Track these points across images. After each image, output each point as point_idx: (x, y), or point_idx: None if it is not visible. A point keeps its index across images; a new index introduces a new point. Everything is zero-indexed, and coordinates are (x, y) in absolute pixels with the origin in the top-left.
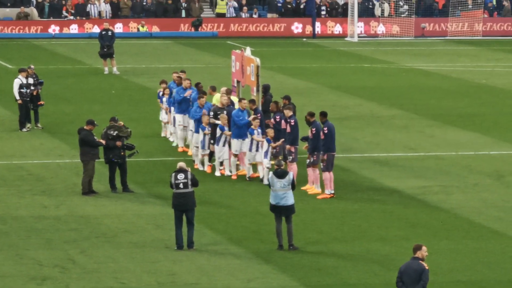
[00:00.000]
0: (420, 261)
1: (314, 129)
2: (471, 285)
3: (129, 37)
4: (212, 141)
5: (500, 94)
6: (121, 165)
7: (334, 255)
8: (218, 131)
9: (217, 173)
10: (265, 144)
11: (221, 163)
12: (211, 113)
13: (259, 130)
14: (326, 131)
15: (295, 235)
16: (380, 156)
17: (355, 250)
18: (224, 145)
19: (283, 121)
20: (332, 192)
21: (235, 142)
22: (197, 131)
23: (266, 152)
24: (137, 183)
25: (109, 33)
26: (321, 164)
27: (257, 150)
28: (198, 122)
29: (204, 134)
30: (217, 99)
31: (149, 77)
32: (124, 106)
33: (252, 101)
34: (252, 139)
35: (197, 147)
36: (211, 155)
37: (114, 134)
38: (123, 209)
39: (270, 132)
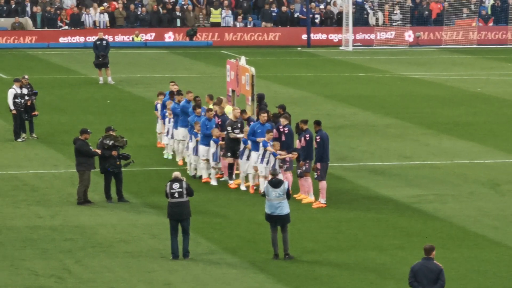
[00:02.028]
0: (435, 261)
1: (308, 136)
2: None
3: (124, 47)
4: (229, 154)
5: (495, 102)
6: (116, 174)
7: (330, 264)
8: (242, 145)
9: (243, 187)
10: (271, 158)
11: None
12: (229, 128)
13: (272, 143)
14: (318, 140)
15: (290, 244)
16: (375, 165)
17: (351, 259)
18: (248, 159)
19: (275, 130)
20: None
21: (254, 155)
22: (204, 144)
23: (273, 166)
24: (132, 192)
25: (104, 42)
26: (315, 173)
27: (267, 164)
28: (205, 135)
29: (217, 146)
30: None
31: (144, 87)
32: (119, 116)
33: (243, 111)
34: (264, 152)
35: (207, 160)
36: (231, 168)
37: (110, 144)
38: (119, 219)
39: (276, 146)
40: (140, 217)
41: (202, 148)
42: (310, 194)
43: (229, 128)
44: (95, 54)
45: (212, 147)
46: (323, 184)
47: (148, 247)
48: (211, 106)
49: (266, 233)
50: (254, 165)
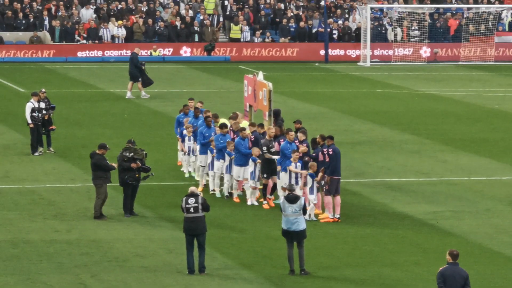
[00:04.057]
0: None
1: (331, 150)
2: None
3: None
4: (265, 175)
5: None
6: (134, 187)
7: (346, 280)
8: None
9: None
10: (309, 180)
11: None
12: (264, 148)
13: (298, 164)
14: (331, 153)
15: (306, 260)
16: (392, 181)
17: (367, 275)
18: None
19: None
20: (337, 216)
21: (283, 176)
22: (239, 164)
23: (311, 188)
24: (148, 207)
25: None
26: (324, 187)
27: (296, 183)
28: (241, 155)
29: (255, 166)
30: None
31: (162, 102)
32: (136, 130)
33: (260, 125)
34: (290, 172)
35: (238, 180)
36: (265, 189)
37: (130, 156)
38: (135, 233)
39: (313, 167)
40: (156, 231)
41: (236, 169)
42: (327, 210)
43: (264, 148)
44: (140, 68)
45: (251, 166)
46: (337, 200)
47: (164, 262)
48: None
49: (282, 248)
50: (284, 186)
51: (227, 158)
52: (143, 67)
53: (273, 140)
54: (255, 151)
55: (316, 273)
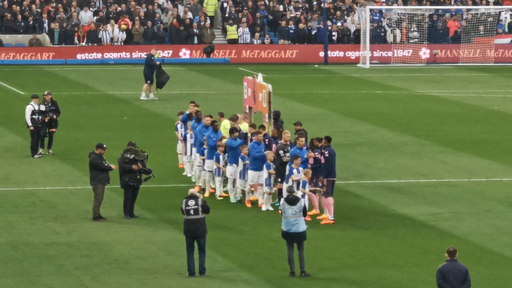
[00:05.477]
0: (459, 262)
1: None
2: None
3: (141, 63)
4: (279, 179)
5: None
6: (135, 189)
7: (346, 282)
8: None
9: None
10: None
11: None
12: (281, 152)
13: (301, 168)
14: (327, 155)
15: (307, 262)
16: (392, 182)
17: (367, 276)
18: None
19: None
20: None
21: (291, 181)
22: (253, 168)
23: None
24: (149, 209)
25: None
26: (321, 189)
27: (297, 189)
28: (254, 160)
29: (269, 172)
30: (225, 125)
31: (161, 104)
32: (136, 132)
33: (262, 127)
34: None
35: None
36: (280, 193)
37: (131, 158)
38: (135, 235)
39: (308, 174)
40: (157, 233)
41: (251, 173)
42: (327, 211)
43: (281, 152)
44: (154, 67)
45: (265, 172)
46: (330, 200)
47: (164, 264)
48: (225, 122)
49: (283, 250)
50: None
51: (240, 162)
52: (158, 63)
53: (289, 145)
54: (270, 155)
55: (316, 275)
